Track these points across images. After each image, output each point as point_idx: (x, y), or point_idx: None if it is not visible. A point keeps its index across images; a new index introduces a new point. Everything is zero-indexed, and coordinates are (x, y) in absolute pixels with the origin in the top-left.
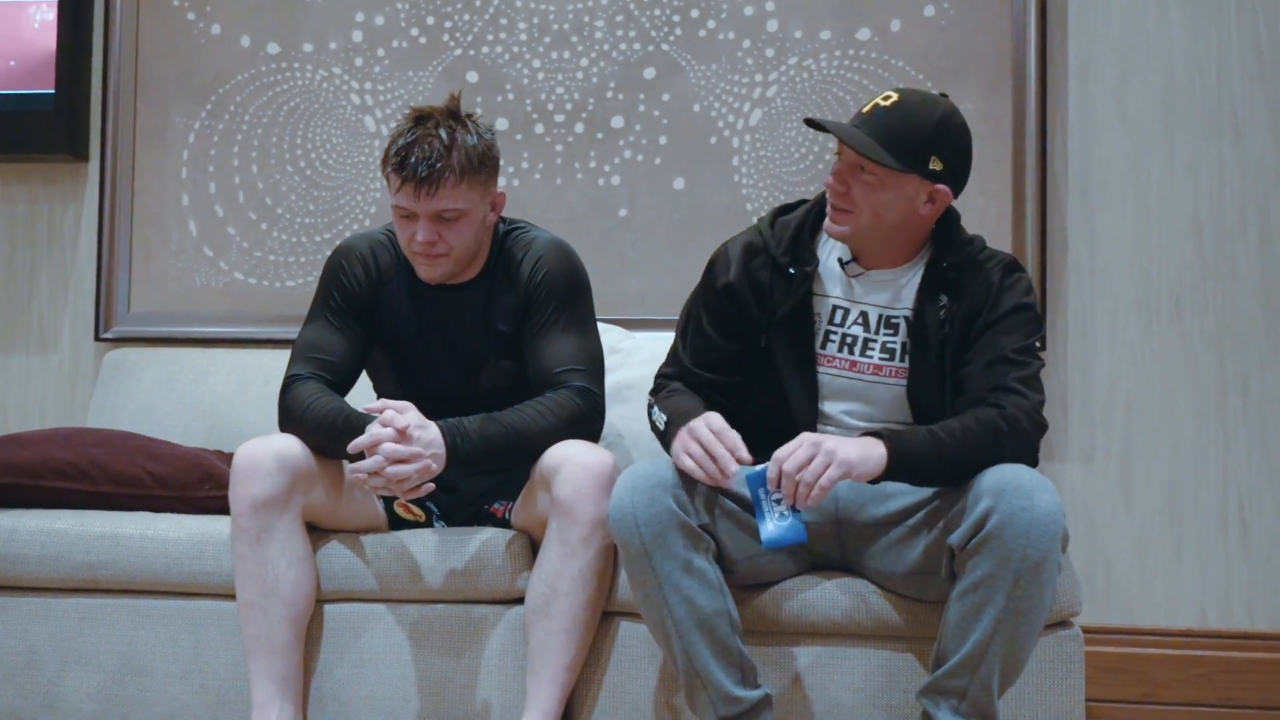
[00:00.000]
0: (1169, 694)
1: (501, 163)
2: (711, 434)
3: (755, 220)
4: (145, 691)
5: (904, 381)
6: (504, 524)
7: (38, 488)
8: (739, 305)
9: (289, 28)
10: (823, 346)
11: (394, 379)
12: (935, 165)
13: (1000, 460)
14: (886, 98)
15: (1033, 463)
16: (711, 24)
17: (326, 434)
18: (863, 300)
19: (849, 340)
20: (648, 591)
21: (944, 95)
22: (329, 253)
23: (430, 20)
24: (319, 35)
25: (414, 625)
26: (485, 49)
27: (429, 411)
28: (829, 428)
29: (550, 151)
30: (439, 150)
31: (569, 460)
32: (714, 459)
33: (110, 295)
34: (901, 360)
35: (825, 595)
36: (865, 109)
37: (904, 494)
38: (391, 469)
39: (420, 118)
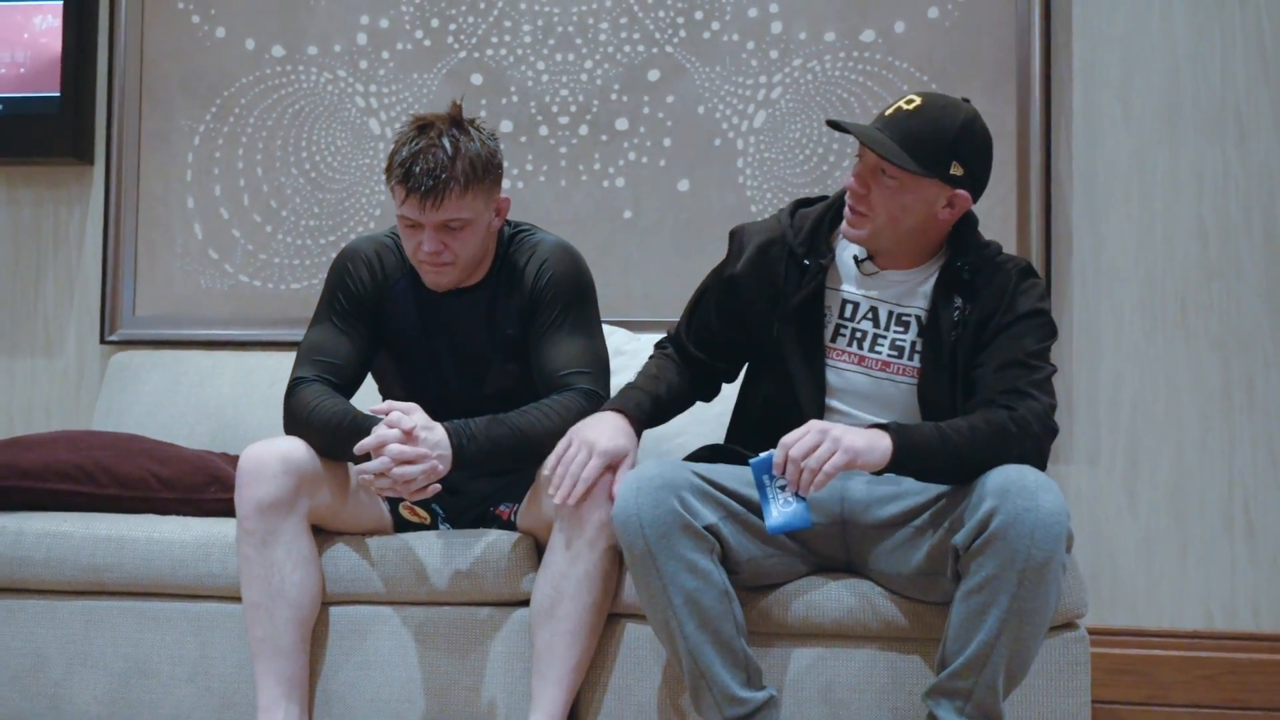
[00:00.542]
0: (1174, 695)
1: (506, 165)
2: (587, 469)
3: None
4: (151, 694)
5: (912, 380)
6: (509, 526)
7: (43, 490)
8: (742, 298)
9: (293, 31)
10: (832, 340)
11: (399, 382)
12: (956, 170)
13: (1007, 461)
14: (909, 101)
15: (1041, 466)
16: (715, 26)
17: (332, 436)
18: (874, 296)
19: (858, 335)
20: (652, 593)
21: (966, 100)
22: (334, 255)
23: (435, 23)
24: (323, 38)
25: (419, 627)
26: (490, 51)
27: (434, 414)
28: (836, 420)
29: (555, 154)
30: (443, 161)
31: None
32: (570, 476)
33: (115, 298)
34: (910, 358)
35: (830, 596)
36: (888, 112)
37: (909, 495)
38: (398, 470)
39: (423, 127)
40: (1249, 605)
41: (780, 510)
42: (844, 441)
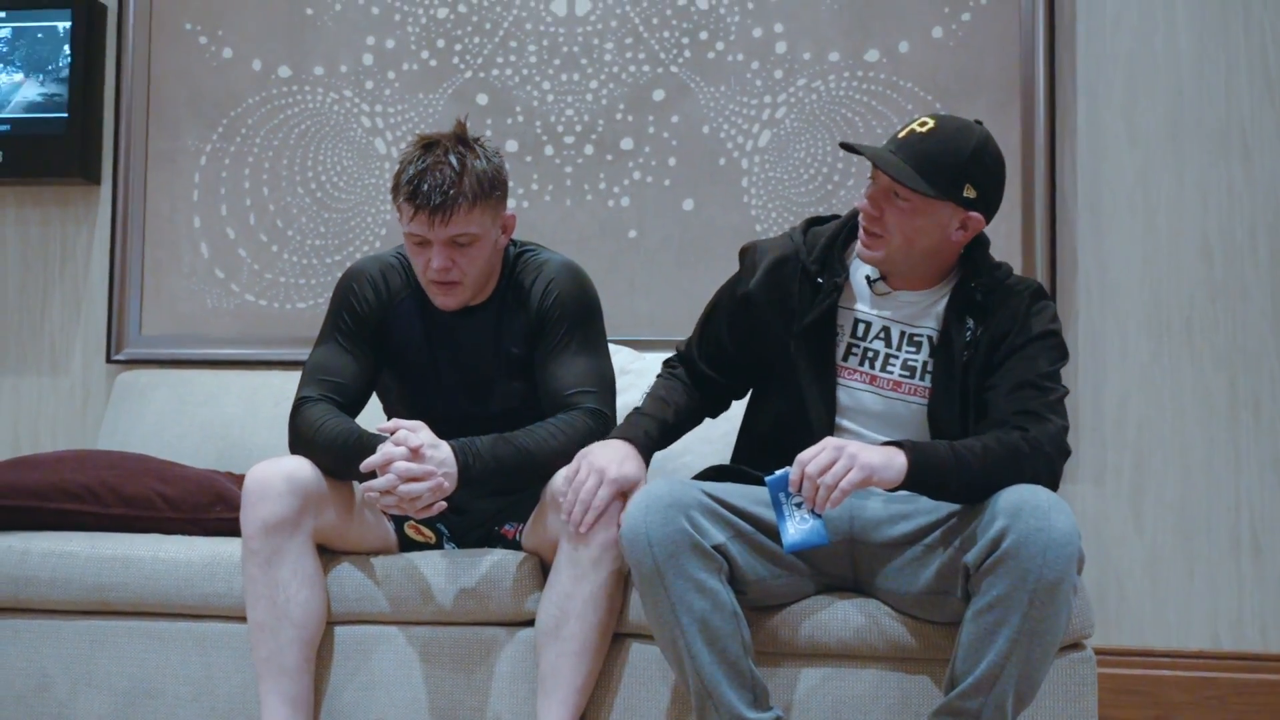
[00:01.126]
0: (1182, 716)
1: (511, 184)
2: (598, 496)
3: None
4: (156, 714)
5: (923, 400)
6: (514, 546)
7: (49, 510)
8: (755, 316)
9: (300, 51)
10: (844, 359)
11: (404, 401)
12: (969, 193)
13: (1020, 481)
14: (923, 124)
15: (1053, 487)
16: (720, 46)
17: (337, 455)
18: (886, 316)
19: (870, 355)
20: (660, 612)
21: (978, 122)
22: (339, 275)
23: (440, 43)
24: (330, 58)
25: (425, 647)
26: (495, 71)
27: (440, 433)
28: (846, 439)
29: (560, 173)
30: (450, 177)
31: None
32: (580, 502)
33: (122, 317)
34: (922, 379)
35: (838, 616)
36: (900, 134)
37: (919, 515)
38: (404, 487)
39: (429, 145)
40: (1256, 625)
41: (797, 528)
42: (860, 458)
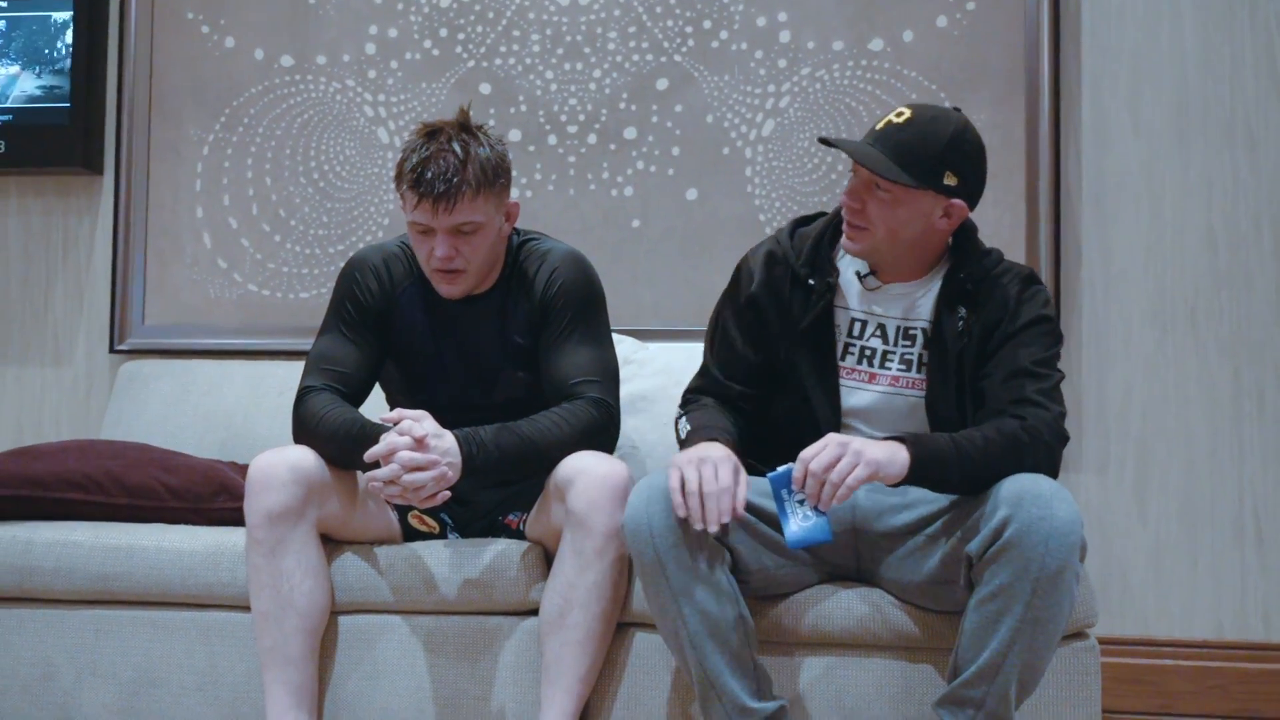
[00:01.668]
0: (1185, 705)
1: (515, 174)
2: (721, 478)
3: (773, 231)
4: (160, 703)
5: (921, 393)
6: (518, 535)
7: (53, 500)
8: (763, 317)
9: (302, 40)
10: (842, 358)
11: (408, 390)
12: (950, 180)
13: (1020, 470)
14: (899, 114)
15: (1054, 474)
16: (724, 35)
17: (341, 444)
18: (881, 313)
19: (868, 353)
20: (662, 602)
21: (957, 109)
22: (342, 264)
23: (443, 32)
24: (332, 48)
25: (429, 636)
26: (498, 60)
27: (443, 422)
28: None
29: (563, 163)
30: (454, 165)
31: (583, 472)
32: (703, 502)
33: (125, 307)
34: (918, 372)
35: (841, 605)
36: (878, 126)
37: (921, 504)
38: (408, 477)
39: (432, 133)
40: (1260, 614)
41: (800, 524)
42: (865, 455)
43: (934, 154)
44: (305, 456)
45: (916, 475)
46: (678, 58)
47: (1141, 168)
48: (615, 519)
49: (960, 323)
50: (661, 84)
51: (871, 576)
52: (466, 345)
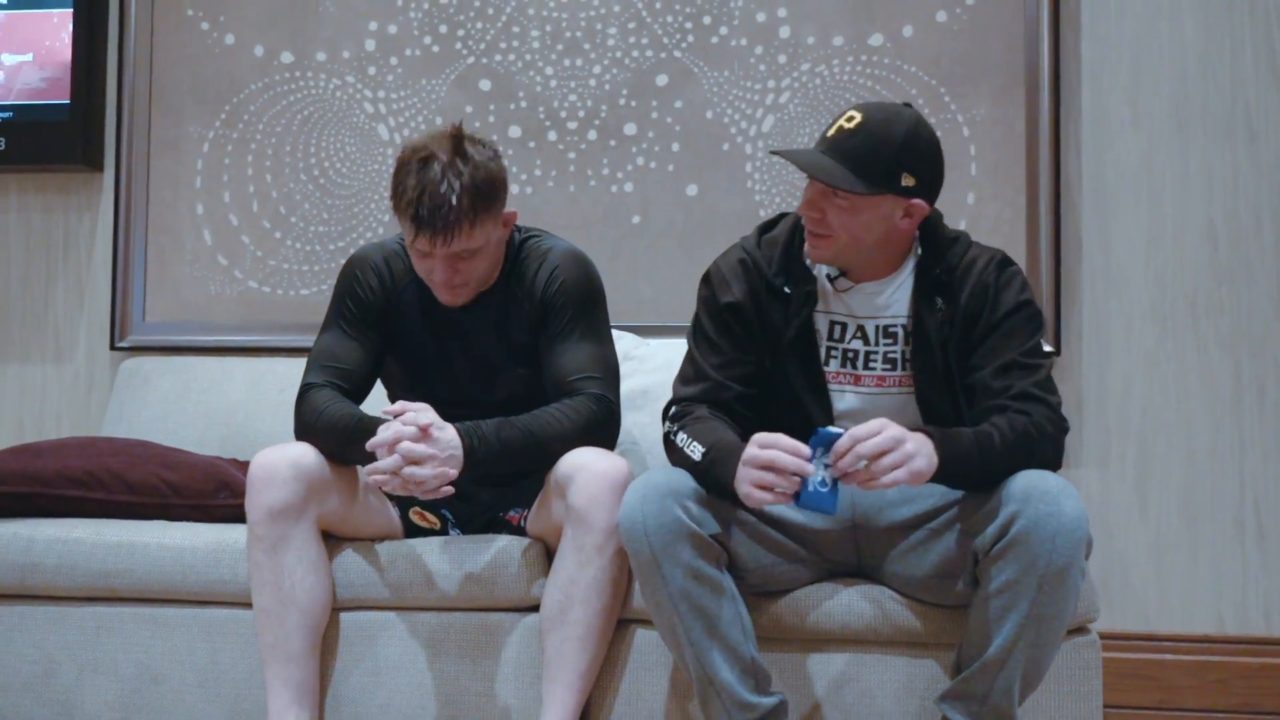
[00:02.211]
0: (1186, 700)
1: (514, 170)
2: (769, 453)
3: (739, 240)
4: (162, 699)
5: (909, 389)
6: (519, 531)
7: (54, 497)
8: (745, 324)
9: (302, 37)
10: (825, 363)
11: (409, 387)
12: (908, 181)
13: (1030, 466)
14: (850, 119)
15: (1058, 464)
16: (724, 30)
17: (342, 439)
18: (859, 314)
19: (850, 355)
20: (658, 600)
21: (908, 105)
22: (343, 261)
23: (443, 28)
24: (332, 44)
25: (430, 633)
26: (498, 57)
27: (445, 418)
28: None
29: (563, 159)
30: (449, 199)
31: (584, 468)
32: (783, 474)
33: (125, 304)
34: (903, 369)
35: (843, 602)
36: (829, 132)
37: (922, 498)
38: (408, 470)
39: (425, 159)
40: (1260, 609)
41: (815, 488)
42: (913, 465)
43: (888, 157)
44: (306, 453)
45: (940, 476)
46: (677, 53)
47: (1142, 161)
48: (616, 515)
49: (939, 314)
50: (661, 80)
51: (872, 572)
52: (468, 343)
